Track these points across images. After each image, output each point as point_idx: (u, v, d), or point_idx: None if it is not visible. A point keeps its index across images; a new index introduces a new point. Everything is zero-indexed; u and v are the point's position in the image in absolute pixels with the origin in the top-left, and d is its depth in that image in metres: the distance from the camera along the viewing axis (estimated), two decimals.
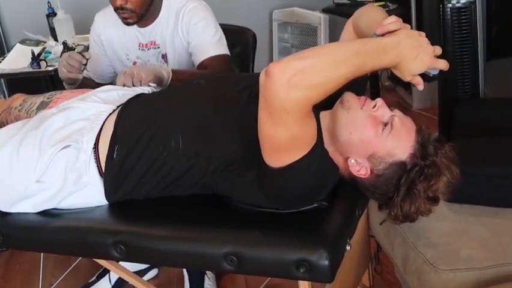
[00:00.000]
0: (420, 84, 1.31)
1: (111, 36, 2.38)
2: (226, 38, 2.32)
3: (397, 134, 1.37)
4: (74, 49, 2.36)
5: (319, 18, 3.99)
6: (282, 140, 1.25)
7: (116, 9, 2.17)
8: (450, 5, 2.49)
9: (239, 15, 3.73)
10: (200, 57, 2.21)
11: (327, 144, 1.44)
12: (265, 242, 1.40)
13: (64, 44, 2.34)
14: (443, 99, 2.72)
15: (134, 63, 2.37)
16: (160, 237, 1.48)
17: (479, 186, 1.78)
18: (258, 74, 1.22)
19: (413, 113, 3.84)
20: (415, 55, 1.27)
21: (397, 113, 1.40)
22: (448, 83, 2.60)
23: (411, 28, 1.30)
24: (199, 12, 2.25)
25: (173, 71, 1.98)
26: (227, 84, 1.66)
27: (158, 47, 2.33)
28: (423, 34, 1.30)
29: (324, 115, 1.47)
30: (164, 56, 2.35)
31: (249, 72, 2.65)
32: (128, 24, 2.22)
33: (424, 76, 1.32)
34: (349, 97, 1.42)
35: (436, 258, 1.60)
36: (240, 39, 2.69)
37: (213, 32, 2.24)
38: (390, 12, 2.96)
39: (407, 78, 1.30)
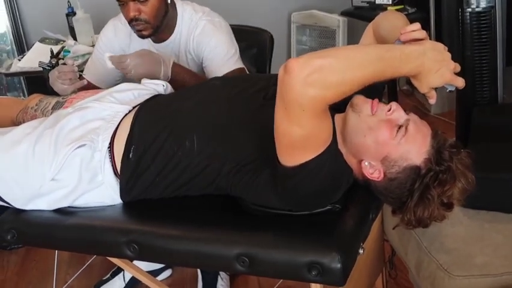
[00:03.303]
0: (433, 98, 1.31)
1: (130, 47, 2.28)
2: (244, 39, 2.27)
3: (411, 138, 1.35)
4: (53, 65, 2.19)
5: (337, 21, 3.98)
6: (297, 138, 1.25)
7: (130, 22, 2.09)
8: (469, 9, 2.48)
9: (258, 17, 3.73)
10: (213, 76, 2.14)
11: (341, 146, 1.43)
12: (278, 244, 1.39)
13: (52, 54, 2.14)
14: (461, 104, 2.71)
15: None
16: (173, 236, 1.48)
17: (495, 192, 1.76)
18: (274, 75, 1.22)
19: (431, 117, 3.81)
20: (437, 68, 1.26)
21: (413, 117, 1.39)
22: (466, 88, 2.58)
23: (430, 32, 1.30)
24: (208, 33, 2.17)
25: (176, 65, 1.96)
26: (243, 85, 1.66)
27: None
28: (446, 48, 1.29)
29: (338, 118, 1.47)
30: None
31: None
32: (143, 36, 2.13)
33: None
34: (358, 100, 1.41)
35: (450, 264, 1.59)
36: (257, 40, 2.69)
37: (224, 50, 2.16)
38: (409, 16, 2.94)
39: (424, 89, 1.29)
